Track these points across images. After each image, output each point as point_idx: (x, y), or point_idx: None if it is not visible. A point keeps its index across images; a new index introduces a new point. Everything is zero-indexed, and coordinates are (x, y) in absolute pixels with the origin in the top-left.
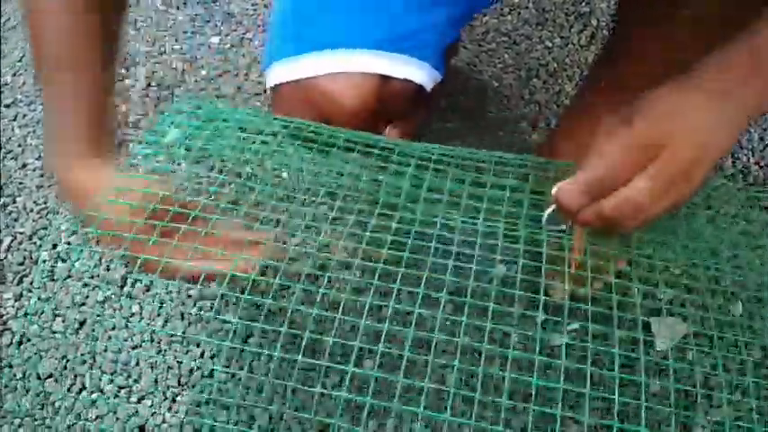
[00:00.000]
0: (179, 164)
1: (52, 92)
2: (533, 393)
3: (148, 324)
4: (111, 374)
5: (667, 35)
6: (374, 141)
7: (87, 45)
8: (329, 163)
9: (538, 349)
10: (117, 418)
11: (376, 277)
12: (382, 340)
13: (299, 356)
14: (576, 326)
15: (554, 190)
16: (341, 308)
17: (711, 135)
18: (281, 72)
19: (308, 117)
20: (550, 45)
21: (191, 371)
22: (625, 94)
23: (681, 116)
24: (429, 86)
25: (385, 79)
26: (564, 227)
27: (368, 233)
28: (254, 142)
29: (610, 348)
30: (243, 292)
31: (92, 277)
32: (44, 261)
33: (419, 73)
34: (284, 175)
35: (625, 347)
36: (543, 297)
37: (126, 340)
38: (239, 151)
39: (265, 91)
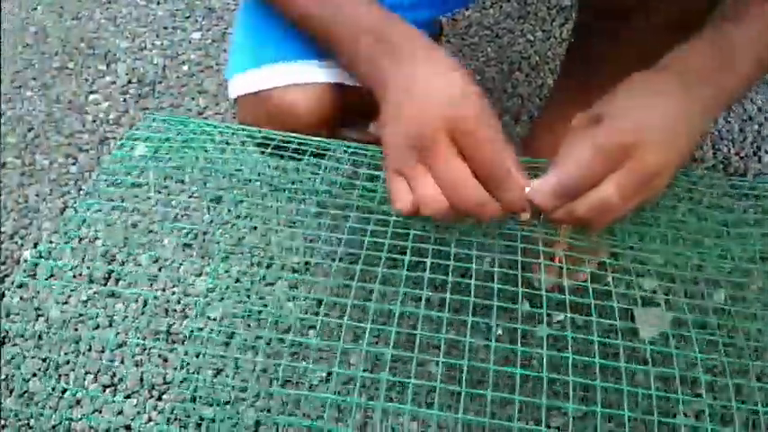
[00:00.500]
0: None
1: None
2: (518, 384)
3: (133, 321)
4: (96, 373)
5: (626, 39)
6: (341, 147)
7: None
8: (297, 170)
9: (520, 341)
10: (102, 418)
11: (356, 279)
12: (366, 340)
13: (285, 357)
14: (561, 317)
15: (527, 189)
16: (323, 306)
17: (677, 138)
18: (241, 84)
19: (272, 128)
20: (532, 38)
21: (176, 368)
22: (597, 89)
23: (648, 118)
24: None
25: (340, 87)
26: (535, 222)
27: (345, 235)
28: (223, 151)
29: (592, 338)
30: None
31: (74, 276)
32: (26, 260)
33: None
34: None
35: (609, 337)
36: (525, 289)
37: (110, 339)
38: (209, 162)
39: None
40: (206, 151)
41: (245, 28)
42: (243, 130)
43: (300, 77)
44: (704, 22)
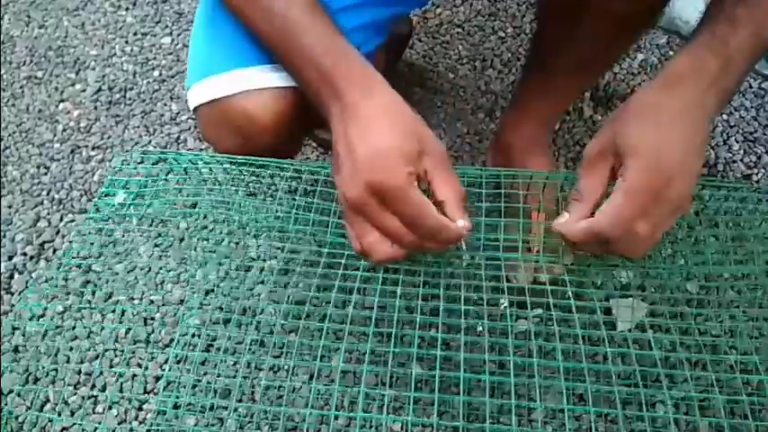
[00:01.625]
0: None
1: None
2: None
3: (111, 332)
4: (75, 386)
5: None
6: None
7: None
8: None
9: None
10: (83, 430)
11: (338, 278)
12: (345, 337)
13: (266, 361)
14: (539, 311)
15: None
16: (306, 306)
17: (695, 163)
18: (199, 93)
19: (232, 139)
20: (503, 35)
21: (156, 378)
22: (555, 83)
23: (670, 152)
24: None
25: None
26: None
27: (330, 238)
28: (198, 194)
29: (571, 331)
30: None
31: (49, 288)
32: (0, 273)
33: None
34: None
35: (586, 330)
36: (506, 284)
37: (89, 350)
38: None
39: None
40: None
41: (200, 36)
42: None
43: (256, 83)
44: (657, 14)
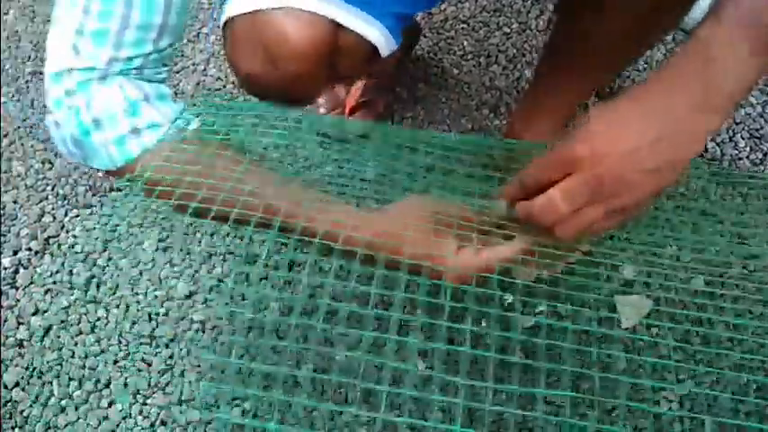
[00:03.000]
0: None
1: None
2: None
3: (115, 327)
4: (80, 380)
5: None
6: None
7: None
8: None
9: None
10: (88, 425)
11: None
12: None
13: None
14: (543, 307)
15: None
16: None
17: (641, 157)
18: (236, 5)
19: (257, 59)
20: (508, 31)
21: (160, 372)
22: (571, 82)
23: (613, 135)
24: (384, 51)
25: (339, 28)
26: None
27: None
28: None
29: (575, 327)
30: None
31: (54, 283)
32: (5, 268)
33: (373, 31)
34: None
35: (591, 326)
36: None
37: (93, 345)
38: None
39: (225, 86)
40: None
41: None
42: None
43: (300, 3)
44: (683, 12)
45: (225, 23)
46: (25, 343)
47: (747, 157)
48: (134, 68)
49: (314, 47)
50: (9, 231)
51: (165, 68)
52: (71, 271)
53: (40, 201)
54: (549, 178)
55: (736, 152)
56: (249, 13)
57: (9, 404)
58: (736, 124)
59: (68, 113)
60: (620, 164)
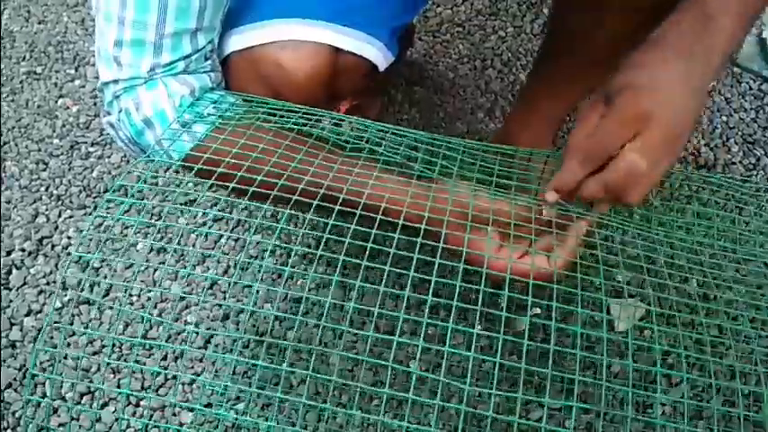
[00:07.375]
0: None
1: None
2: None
3: (108, 329)
4: (72, 382)
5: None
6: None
7: None
8: None
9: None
10: (80, 426)
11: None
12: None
13: (263, 359)
14: (537, 310)
15: (547, 193)
16: (302, 304)
17: (685, 99)
18: (232, 41)
19: (260, 92)
20: (504, 35)
21: (153, 374)
22: (566, 84)
23: (657, 85)
24: (382, 66)
25: (337, 52)
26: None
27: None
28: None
29: (570, 329)
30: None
31: (47, 284)
32: None
33: (371, 49)
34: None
35: (585, 329)
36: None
37: (86, 346)
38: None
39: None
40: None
41: None
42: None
43: (299, 35)
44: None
45: (224, 60)
46: (18, 344)
47: (740, 162)
48: (178, 72)
49: (316, 76)
50: (2, 232)
51: (209, 62)
52: (64, 272)
53: (34, 201)
54: (623, 139)
55: (730, 157)
56: (246, 49)
57: (1, 405)
58: (730, 129)
59: (121, 116)
60: (683, 116)
